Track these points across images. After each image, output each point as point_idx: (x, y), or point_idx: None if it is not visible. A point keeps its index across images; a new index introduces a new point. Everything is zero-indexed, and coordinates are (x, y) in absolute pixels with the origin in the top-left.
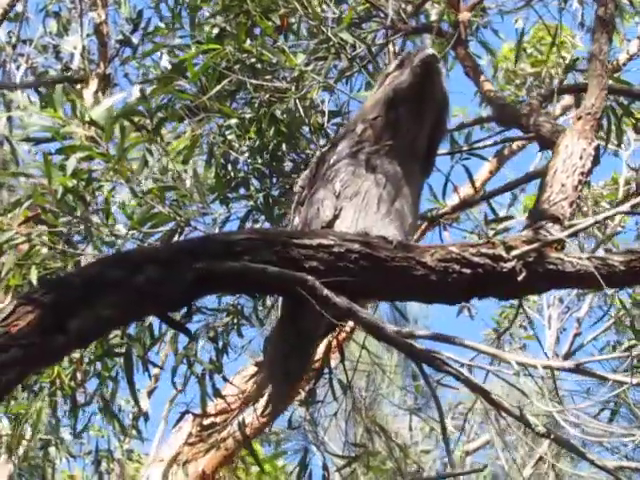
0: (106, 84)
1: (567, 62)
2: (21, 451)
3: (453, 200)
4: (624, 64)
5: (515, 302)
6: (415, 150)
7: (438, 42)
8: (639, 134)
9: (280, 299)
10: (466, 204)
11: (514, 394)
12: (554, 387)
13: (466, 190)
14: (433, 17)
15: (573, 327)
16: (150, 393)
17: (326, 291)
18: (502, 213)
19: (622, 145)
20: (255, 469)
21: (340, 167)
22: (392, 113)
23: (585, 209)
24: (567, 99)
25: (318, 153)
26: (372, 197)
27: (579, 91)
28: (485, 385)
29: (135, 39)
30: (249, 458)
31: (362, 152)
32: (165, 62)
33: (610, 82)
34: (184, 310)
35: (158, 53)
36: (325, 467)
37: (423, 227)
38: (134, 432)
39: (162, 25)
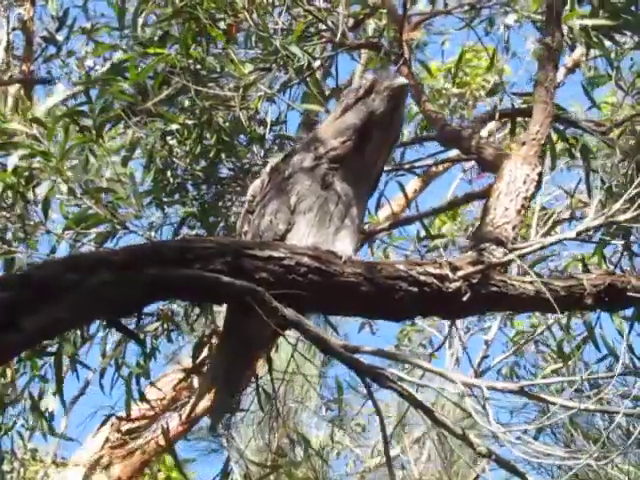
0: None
1: (490, 86)
2: None
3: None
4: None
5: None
6: (370, 173)
7: (379, 58)
8: (573, 159)
9: (225, 307)
10: (404, 221)
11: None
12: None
13: (396, 206)
14: (370, 32)
15: (481, 349)
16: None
17: (275, 303)
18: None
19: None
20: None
21: (296, 181)
22: (363, 139)
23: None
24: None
25: (271, 163)
26: (324, 214)
27: (518, 115)
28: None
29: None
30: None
31: (319, 168)
32: (89, 62)
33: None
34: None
35: (82, 52)
36: (247, 476)
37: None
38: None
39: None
